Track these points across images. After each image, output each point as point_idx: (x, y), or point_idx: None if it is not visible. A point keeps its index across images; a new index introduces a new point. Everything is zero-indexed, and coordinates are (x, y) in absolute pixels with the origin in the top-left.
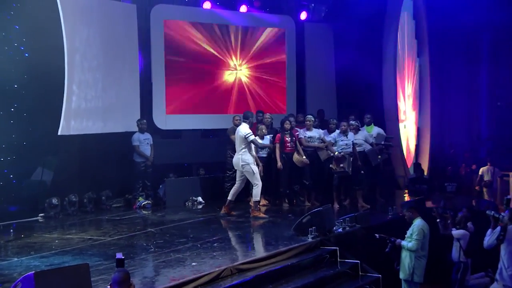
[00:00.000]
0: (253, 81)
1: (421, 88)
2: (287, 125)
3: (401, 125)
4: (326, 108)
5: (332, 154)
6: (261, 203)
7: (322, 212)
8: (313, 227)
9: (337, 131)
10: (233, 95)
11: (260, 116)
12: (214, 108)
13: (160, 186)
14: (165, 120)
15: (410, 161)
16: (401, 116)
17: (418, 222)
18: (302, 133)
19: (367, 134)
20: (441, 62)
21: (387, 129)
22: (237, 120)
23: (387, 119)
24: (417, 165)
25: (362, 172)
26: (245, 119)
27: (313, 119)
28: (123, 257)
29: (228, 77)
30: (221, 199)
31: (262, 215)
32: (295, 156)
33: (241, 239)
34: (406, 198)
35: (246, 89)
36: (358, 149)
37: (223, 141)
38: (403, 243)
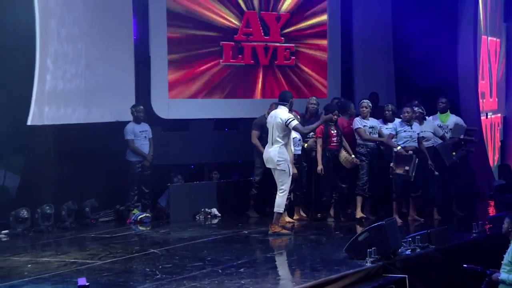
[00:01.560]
0: (282, 56)
1: (508, 71)
2: (335, 116)
3: (482, 114)
4: (380, 91)
5: (395, 150)
6: (296, 217)
7: (384, 228)
8: (373, 248)
9: (397, 120)
10: (259, 74)
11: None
12: (232, 92)
13: (162, 194)
14: (167, 106)
15: (493, 162)
16: (483, 102)
17: None
18: (359, 123)
19: (435, 125)
20: None
21: (465, 118)
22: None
23: (464, 105)
24: (504, 167)
25: (437, 173)
26: (284, 101)
27: (370, 104)
28: (87, 284)
29: (250, 51)
30: (242, 210)
31: (284, 231)
32: (343, 154)
33: (274, 263)
34: (491, 212)
35: (275, 66)
36: (425, 144)
37: (243, 134)
38: (503, 276)
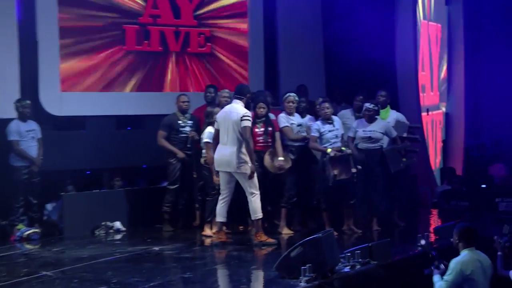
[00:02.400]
0: (196, 41)
1: (450, 60)
2: (261, 109)
3: (422, 110)
4: (309, 83)
5: (328, 153)
6: (214, 230)
7: (320, 242)
8: (308, 265)
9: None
10: (168, 63)
11: (210, 93)
12: (137, 84)
13: (52, 205)
14: (59, 101)
15: (434, 165)
16: (423, 96)
17: (460, 256)
18: (285, 119)
19: (389, 126)
20: (482, 30)
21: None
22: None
23: (403, 100)
24: (449, 171)
25: (355, 175)
26: (240, 95)
27: (297, 98)
28: None
29: (158, 36)
30: (151, 223)
31: (270, 240)
32: (266, 158)
33: (192, 285)
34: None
35: (187, 53)
36: (372, 146)
37: (151, 134)
38: (436, 278)
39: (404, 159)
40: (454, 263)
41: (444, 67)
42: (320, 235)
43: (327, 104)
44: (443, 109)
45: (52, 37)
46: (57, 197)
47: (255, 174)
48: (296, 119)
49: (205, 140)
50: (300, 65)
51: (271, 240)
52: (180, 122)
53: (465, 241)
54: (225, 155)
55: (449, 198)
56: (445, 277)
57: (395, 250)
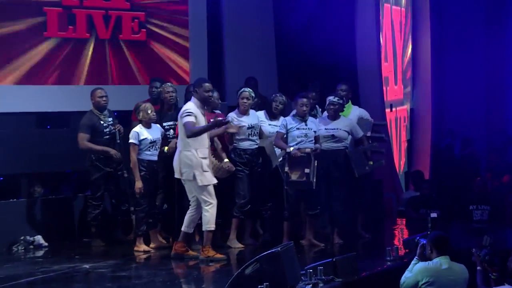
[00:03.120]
0: (129, 27)
1: (416, 50)
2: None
3: (386, 106)
4: (258, 76)
5: (289, 151)
6: (152, 245)
7: (279, 257)
8: (265, 284)
9: (292, 113)
10: (98, 53)
11: (156, 88)
12: (60, 76)
13: None
14: None
15: (399, 168)
16: (386, 90)
17: (427, 262)
18: (234, 119)
19: (354, 124)
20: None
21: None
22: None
23: (364, 95)
24: (416, 175)
25: (307, 170)
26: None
27: (253, 94)
28: None
29: (84, 20)
30: (78, 237)
31: (219, 255)
32: (213, 161)
33: None
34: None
35: (119, 41)
36: (335, 145)
37: (76, 133)
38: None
39: (370, 162)
40: (417, 266)
41: (408, 57)
42: (278, 249)
43: (304, 100)
44: (408, 104)
45: None
46: None
47: (210, 180)
48: (248, 119)
49: (130, 140)
50: (249, 56)
51: (219, 256)
52: (102, 122)
53: (438, 250)
54: (174, 159)
55: (417, 206)
56: (407, 274)
57: (362, 265)
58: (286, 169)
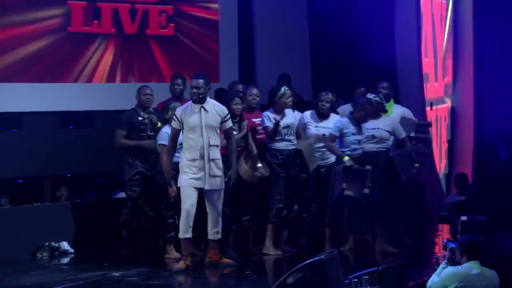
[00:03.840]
0: (156, 22)
1: (457, 45)
2: (236, 106)
3: (426, 104)
4: (291, 72)
5: (344, 161)
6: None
7: (323, 265)
8: None
9: (345, 116)
10: (123, 49)
11: (178, 85)
12: (85, 74)
13: None
14: None
15: (439, 170)
16: (426, 87)
17: (457, 267)
18: (267, 119)
19: (396, 123)
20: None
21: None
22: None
23: (404, 92)
24: (461, 178)
25: (366, 190)
26: None
27: (289, 91)
28: None
29: (110, 14)
30: (106, 243)
31: (226, 260)
32: (242, 167)
33: None
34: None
35: (146, 36)
36: (375, 146)
37: (101, 134)
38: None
39: (416, 164)
40: (446, 270)
41: (449, 53)
42: (323, 257)
43: (362, 100)
44: (448, 102)
45: None
46: None
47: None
48: (287, 119)
49: (159, 142)
50: (280, 52)
51: (226, 260)
52: (140, 118)
53: (468, 255)
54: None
55: (463, 211)
56: (434, 278)
57: (407, 274)
58: (344, 185)
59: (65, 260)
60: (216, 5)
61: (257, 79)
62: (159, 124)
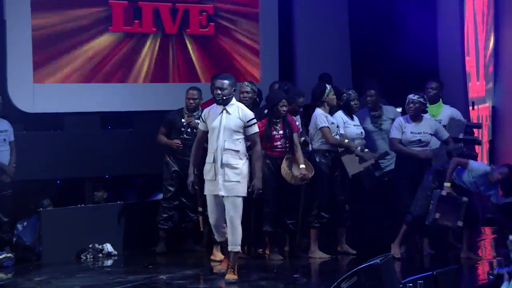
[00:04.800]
0: (197, 21)
1: (498, 43)
2: (282, 107)
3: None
4: (332, 72)
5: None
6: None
7: (379, 270)
8: None
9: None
10: (164, 48)
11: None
12: (125, 74)
13: (22, 223)
14: (32, 94)
15: None
16: (469, 87)
17: None
18: (325, 119)
19: (438, 124)
20: None
21: None
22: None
23: (447, 92)
24: (506, 180)
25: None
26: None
27: (332, 90)
28: None
29: (151, 14)
30: (146, 245)
31: (232, 276)
32: (283, 167)
33: None
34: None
35: (186, 36)
36: (418, 149)
37: (140, 135)
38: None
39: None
40: None
41: (490, 51)
42: (378, 261)
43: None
44: (490, 102)
45: (22, 13)
46: (29, 214)
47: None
48: (332, 118)
49: None
50: (320, 52)
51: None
52: (183, 120)
53: None
54: None
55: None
56: None
57: (461, 279)
58: (437, 215)
59: (109, 262)
60: (256, 1)
61: (297, 78)
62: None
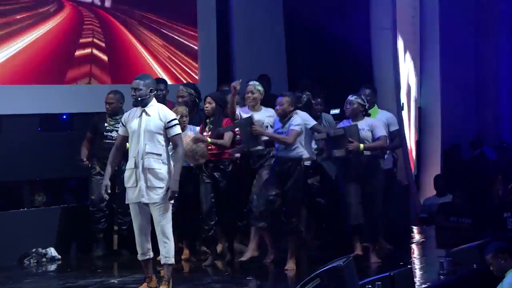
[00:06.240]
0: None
1: (422, 39)
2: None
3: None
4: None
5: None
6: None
7: (342, 272)
8: None
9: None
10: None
11: (161, 90)
12: (63, 74)
13: None
14: None
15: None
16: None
17: None
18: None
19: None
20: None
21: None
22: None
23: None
24: (439, 180)
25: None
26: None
27: (260, 87)
28: None
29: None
30: (88, 248)
31: None
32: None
33: None
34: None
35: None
36: None
37: (81, 136)
38: None
39: None
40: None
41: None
42: (341, 263)
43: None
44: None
45: None
46: None
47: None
48: (258, 114)
49: None
50: (257, 52)
51: None
52: (106, 124)
53: None
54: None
55: (450, 213)
56: None
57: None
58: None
59: (52, 266)
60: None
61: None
62: None
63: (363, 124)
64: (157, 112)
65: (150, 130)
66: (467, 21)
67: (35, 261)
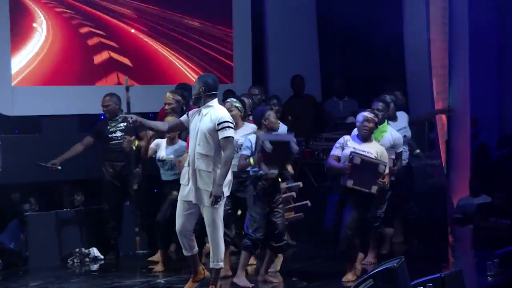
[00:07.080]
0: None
1: (451, 39)
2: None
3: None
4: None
5: None
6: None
7: (396, 273)
8: None
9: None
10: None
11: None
12: (102, 77)
13: (3, 228)
14: (11, 97)
15: None
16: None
17: None
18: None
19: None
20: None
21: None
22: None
23: (414, 94)
24: (475, 181)
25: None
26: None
27: (238, 104)
28: None
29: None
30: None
31: None
32: None
33: None
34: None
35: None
36: None
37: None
38: None
39: None
40: None
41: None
42: (395, 264)
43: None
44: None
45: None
46: (7, 219)
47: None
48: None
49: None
50: (291, 53)
51: None
52: (108, 127)
53: None
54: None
55: (490, 214)
56: None
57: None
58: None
59: (94, 266)
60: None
61: (269, 82)
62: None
63: (370, 148)
64: (210, 113)
65: (202, 131)
66: (494, 20)
67: (78, 261)
